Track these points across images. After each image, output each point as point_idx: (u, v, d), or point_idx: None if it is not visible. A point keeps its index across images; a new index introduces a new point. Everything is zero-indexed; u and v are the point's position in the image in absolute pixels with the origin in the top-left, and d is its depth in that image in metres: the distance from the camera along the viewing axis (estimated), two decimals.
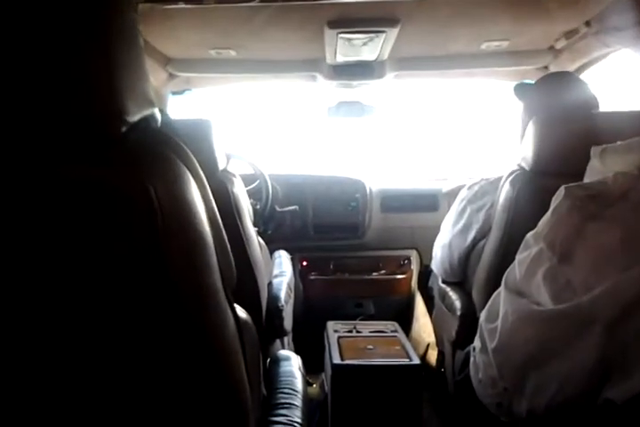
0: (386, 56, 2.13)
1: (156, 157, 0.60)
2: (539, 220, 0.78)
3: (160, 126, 0.66)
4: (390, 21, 1.72)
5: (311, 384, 2.21)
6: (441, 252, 1.86)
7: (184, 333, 0.58)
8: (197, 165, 0.69)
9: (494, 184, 1.63)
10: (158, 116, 0.65)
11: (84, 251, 0.54)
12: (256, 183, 2.45)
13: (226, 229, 0.79)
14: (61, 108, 0.53)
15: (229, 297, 0.69)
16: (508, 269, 0.77)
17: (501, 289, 0.78)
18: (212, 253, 0.64)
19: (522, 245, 0.75)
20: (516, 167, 1.54)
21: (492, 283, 1.41)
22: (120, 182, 0.54)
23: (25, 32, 0.51)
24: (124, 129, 0.57)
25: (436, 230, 1.99)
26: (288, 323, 1.99)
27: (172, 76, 2.33)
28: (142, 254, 0.55)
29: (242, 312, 0.95)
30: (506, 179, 1.53)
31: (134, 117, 0.58)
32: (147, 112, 0.61)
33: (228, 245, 0.80)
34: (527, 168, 1.48)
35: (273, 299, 1.87)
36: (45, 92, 0.53)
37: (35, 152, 0.54)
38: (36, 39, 0.51)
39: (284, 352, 1.52)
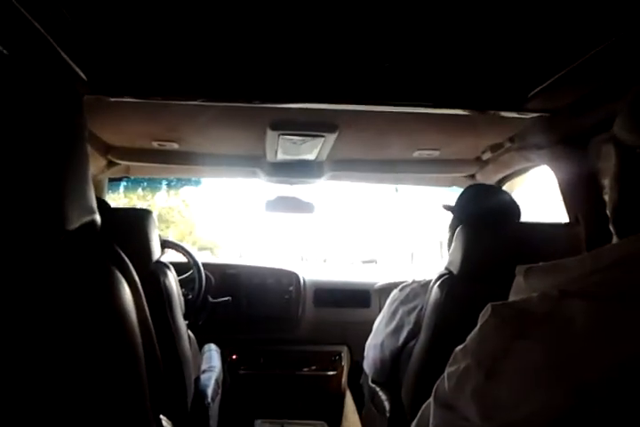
0: (324, 157, 2.22)
1: (91, 266, 0.61)
2: (465, 323, 0.80)
3: (99, 231, 0.66)
4: (329, 127, 1.81)
5: None
6: (373, 351, 1.85)
7: None
8: (132, 269, 0.69)
9: (425, 287, 1.67)
10: (98, 221, 0.65)
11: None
12: (190, 272, 2.42)
13: (155, 325, 0.78)
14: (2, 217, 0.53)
15: (154, 407, 0.67)
16: (438, 382, 0.78)
17: (431, 401, 0.79)
18: (141, 363, 0.64)
19: (451, 359, 0.76)
20: (444, 271, 1.60)
21: (421, 385, 1.42)
22: (52, 293, 0.54)
23: None
24: (62, 238, 0.57)
25: (367, 327, 1.99)
26: (214, 422, 1.91)
27: (111, 163, 2.31)
28: (66, 364, 0.54)
29: (166, 422, 0.92)
30: (434, 282, 1.58)
31: (74, 225, 0.58)
32: (87, 219, 0.62)
33: (157, 346, 0.79)
34: (455, 272, 1.54)
35: (199, 396, 1.80)
36: None
37: None
38: None
39: None
